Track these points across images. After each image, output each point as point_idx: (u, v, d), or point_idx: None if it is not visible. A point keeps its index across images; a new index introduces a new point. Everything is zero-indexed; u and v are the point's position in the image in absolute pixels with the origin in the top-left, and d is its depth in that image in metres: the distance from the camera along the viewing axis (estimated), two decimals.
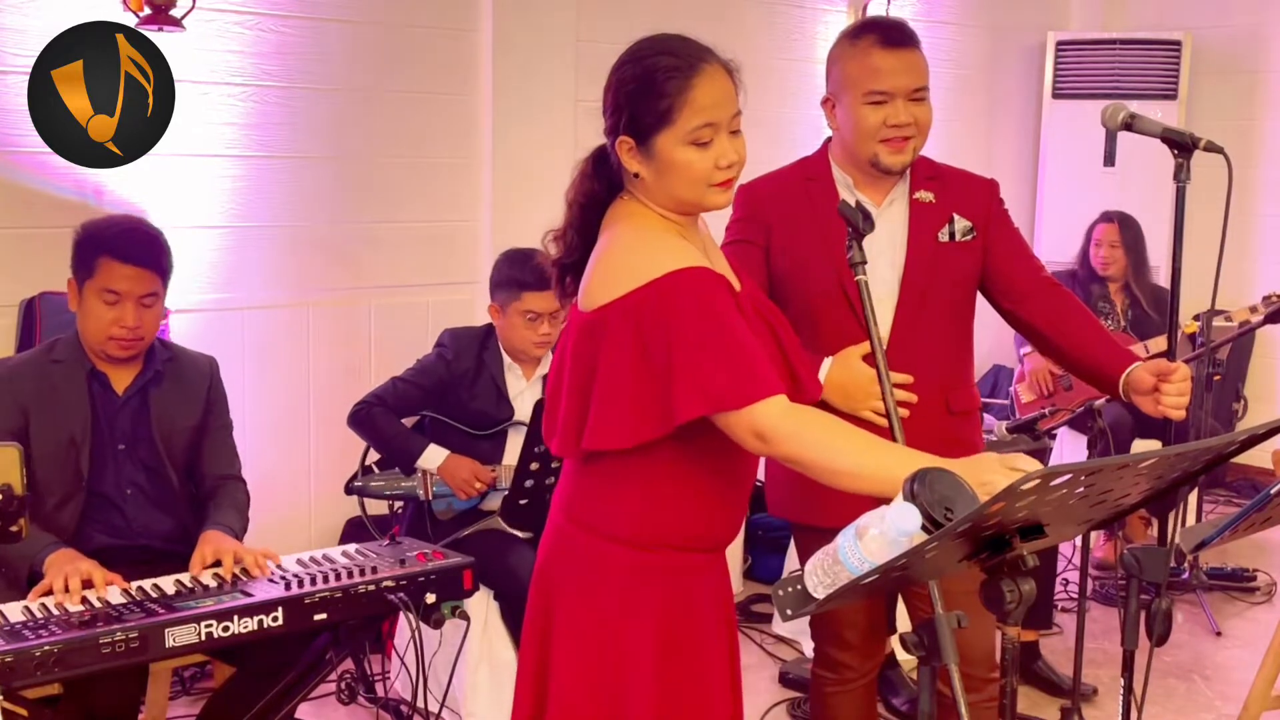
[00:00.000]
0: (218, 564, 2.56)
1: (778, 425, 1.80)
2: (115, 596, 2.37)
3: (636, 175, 1.93)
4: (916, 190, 2.50)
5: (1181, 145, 2.18)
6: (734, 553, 4.56)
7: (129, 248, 2.70)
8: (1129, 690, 2.21)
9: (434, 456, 3.38)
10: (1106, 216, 5.04)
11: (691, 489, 1.97)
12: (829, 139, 2.58)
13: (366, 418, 3.42)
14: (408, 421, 3.56)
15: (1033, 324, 2.53)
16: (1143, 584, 2.12)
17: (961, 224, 2.49)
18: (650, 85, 1.88)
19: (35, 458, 2.60)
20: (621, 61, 1.95)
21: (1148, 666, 2.31)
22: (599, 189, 2.01)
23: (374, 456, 3.61)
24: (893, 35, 2.41)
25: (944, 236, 2.49)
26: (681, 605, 2.01)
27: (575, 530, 2.03)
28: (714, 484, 1.99)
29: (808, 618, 2.33)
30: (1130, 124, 2.26)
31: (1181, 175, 2.17)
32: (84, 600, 2.34)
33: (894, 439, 2.01)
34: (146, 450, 2.78)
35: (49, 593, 2.37)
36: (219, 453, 2.90)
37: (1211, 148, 2.16)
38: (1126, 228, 4.98)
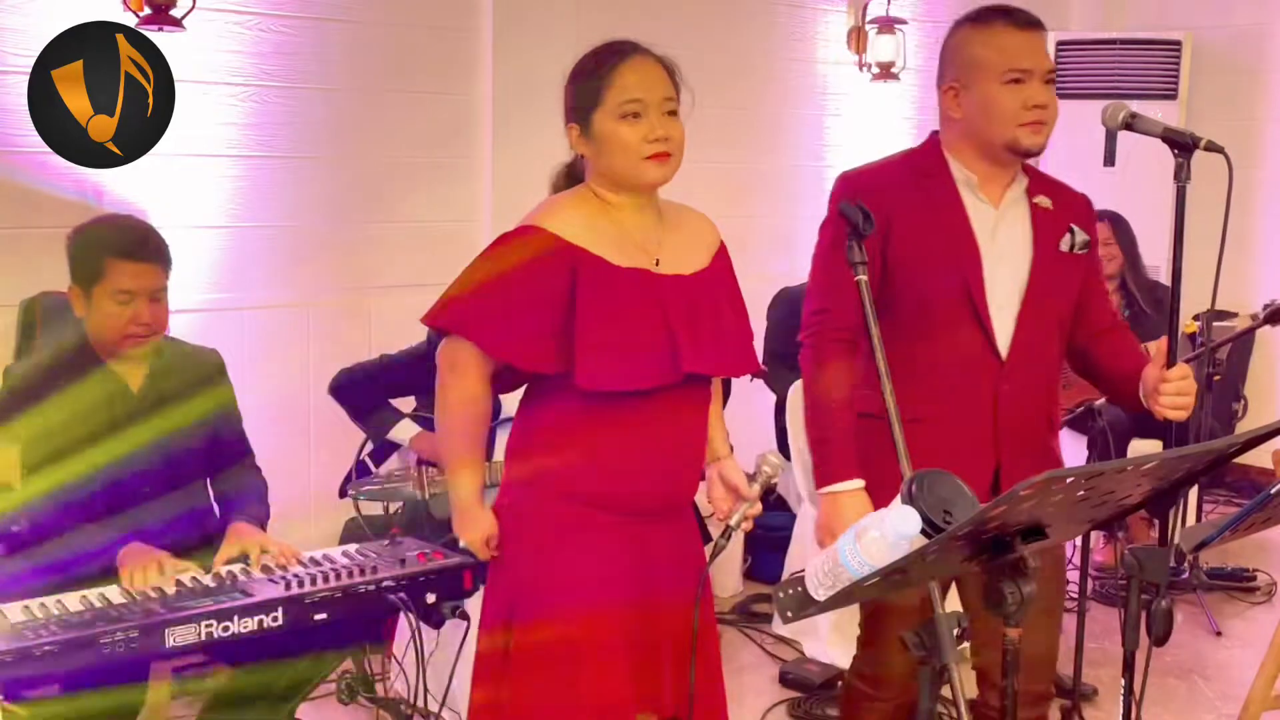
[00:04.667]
0: (242, 558, 2.61)
1: (452, 363, 2.17)
2: (115, 596, 2.37)
3: (582, 157, 2.19)
4: (1035, 194, 2.41)
5: (1182, 145, 2.16)
6: (734, 553, 4.56)
7: (132, 246, 2.71)
8: (1129, 690, 2.21)
9: (407, 429, 3.40)
10: (1097, 216, 5.03)
11: (591, 445, 2.14)
12: (934, 133, 2.47)
13: (347, 383, 3.45)
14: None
15: (1099, 364, 2.46)
16: (1143, 584, 2.12)
17: (1080, 236, 2.40)
18: (589, 73, 2.16)
19: (58, 456, 2.64)
20: (572, 68, 2.23)
21: (1145, 666, 2.30)
22: (568, 185, 2.29)
23: (369, 449, 3.61)
24: (1024, 17, 2.35)
25: (1065, 246, 2.39)
26: (562, 556, 2.18)
27: (505, 472, 2.29)
28: (611, 443, 2.14)
29: (810, 619, 2.32)
30: (1131, 123, 2.25)
31: (1182, 175, 2.15)
32: (84, 599, 2.34)
33: (895, 441, 1.99)
34: (165, 445, 2.80)
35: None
36: (236, 444, 2.95)
37: (1212, 147, 2.14)
38: (1118, 226, 4.97)
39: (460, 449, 2.24)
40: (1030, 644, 2.42)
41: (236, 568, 2.54)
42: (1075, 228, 2.40)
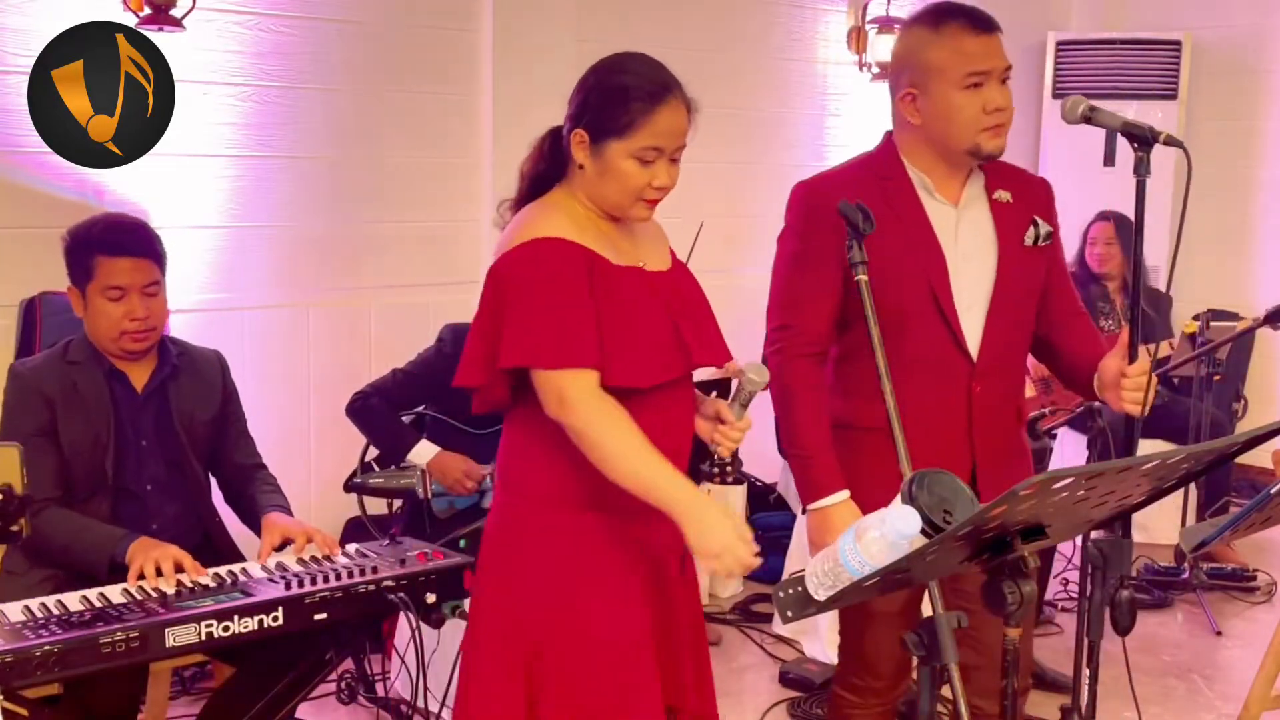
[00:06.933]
0: (283, 547, 2.63)
1: (578, 398, 2.01)
2: (116, 596, 2.37)
3: (581, 167, 2.11)
4: (994, 190, 2.36)
5: (1141, 139, 2.15)
6: None
7: (121, 241, 2.72)
8: (1094, 679, 2.21)
9: (424, 451, 3.40)
10: (1102, 215, 5.08)
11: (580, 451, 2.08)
12: (889, 133, 2.42)
13: (363, 408, 3.45)
14: (407, 416, 3.57)
15: (1060, 352, 2.43)
16: (1107, 576, 2.10)
17: (1044, 228, 2.36)
18: (622, 98, 2.06)
19: (65, 456, 2.65)
20: (603, 66, 2.13)
21: (1105, 654, 2.26)
22: (546, 168, 2.19)
23: (373, 453, 3.61)
24: (980, 17, 2.27)
25: (1029, 240, 2.35)
26: (580, 566, 2.12)
27: (500, 492, 2.21)
28: None
29: (810, 619, 2.32)
30: (1090, 116, 2.22)
31: (1141, 169, 2.14)
32: (84, 599, 2.34)
33: (895, 443, 1.98)
34: (170, 445, 2.80)
35: (141, 577, 2.45)
36: (242, 443, 2.95)
37: (1171, 142, 2.12)
38: (1122, 227, 5.00)
39: (653, 461, 2.00)
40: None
41: (237, 568, 2.54)
42: (1038, 220, 2.37)
